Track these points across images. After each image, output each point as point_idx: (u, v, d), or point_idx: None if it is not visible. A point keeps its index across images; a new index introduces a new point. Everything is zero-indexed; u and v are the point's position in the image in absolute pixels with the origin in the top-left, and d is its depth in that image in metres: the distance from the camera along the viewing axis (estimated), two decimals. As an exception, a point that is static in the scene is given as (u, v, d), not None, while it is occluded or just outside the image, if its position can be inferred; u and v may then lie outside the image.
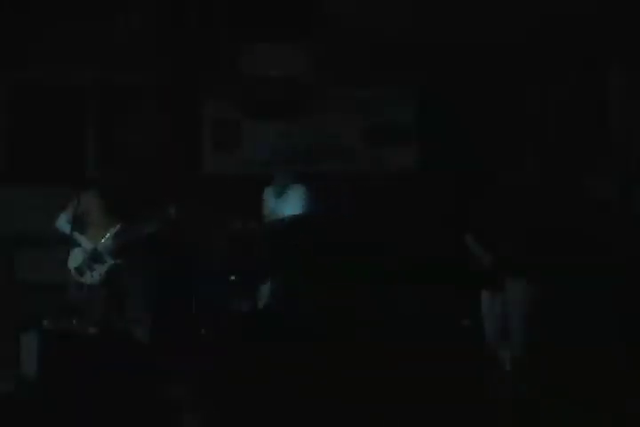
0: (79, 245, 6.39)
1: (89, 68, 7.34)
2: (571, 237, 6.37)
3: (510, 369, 5.83)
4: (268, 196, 6.98)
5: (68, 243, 6.26)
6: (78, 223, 6.31)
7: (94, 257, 6.36)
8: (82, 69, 7.50)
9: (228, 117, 7.81)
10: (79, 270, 6.36)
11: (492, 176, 6.52)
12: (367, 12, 6.62)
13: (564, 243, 6.26)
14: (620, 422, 4.65)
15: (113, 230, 6.36)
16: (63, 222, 6.47)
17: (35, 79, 7.70)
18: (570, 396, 5.15)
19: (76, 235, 6.35)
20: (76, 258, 6.34)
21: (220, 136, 8.01)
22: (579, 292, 6.39)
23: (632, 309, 6.26)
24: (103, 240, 6.37)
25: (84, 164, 7.89)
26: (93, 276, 6.34)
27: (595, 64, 6.48)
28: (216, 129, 8.00)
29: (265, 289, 6.74)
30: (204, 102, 7.79)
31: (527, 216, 6.23)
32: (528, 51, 7.03)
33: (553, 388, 5.39)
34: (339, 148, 8.03)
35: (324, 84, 7.28)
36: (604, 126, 6.31)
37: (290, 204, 6.79)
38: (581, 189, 6.78)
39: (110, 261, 6.33)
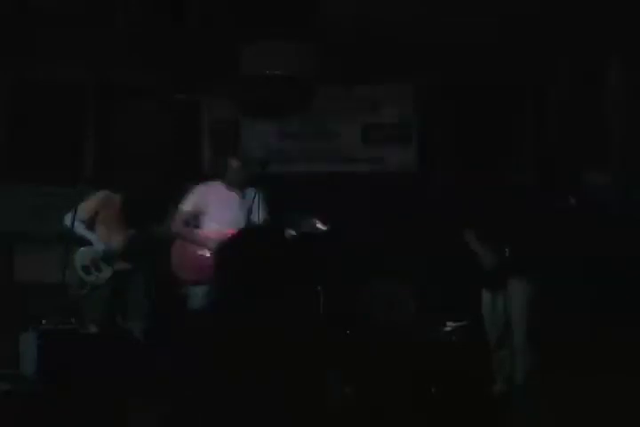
0: (88, 244, 6.39)
1: (89, 67, 7.35)
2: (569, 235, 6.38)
3: (510, 369, 5.84)
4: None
5: (70, 241, 6.26)
6: (89, 222, 6.33)
7: (105, 257, 6.36)
8: (82, 69, 7.51)
9: (227, 117, 7.82)
10: (85, 269, 6.36)
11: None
12: (367, 12, 6.62)
13: (564, 242, 6.27)
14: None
15: (128, 233, 6.37)
16: (72, 220, 6.46)
17: (34, 78, 7.70)
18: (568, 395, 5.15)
19: (87, 233, 6.36)
20: (83, 256, 6.34)
21: (219, 136, 8.02)
22: (578, 290, 6.40)
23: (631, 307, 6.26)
24: (117, 242, 6.37)
25: (82, 163, 7.90)
26: (99, 276, 6.34)
27: (595, 63, 6.49)
28: (215, 129, 8.01)
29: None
30: (203, 102, 7.81)
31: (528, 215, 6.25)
32: (527, 50, 7.04)
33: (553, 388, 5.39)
34: (339, 148, 8.04)
35: (323, 84, 7.28)
36: (604, 126, 6.31)
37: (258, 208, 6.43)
38: (580, 189, 6.78)
39: (119, 264, 6.34)
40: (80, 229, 6.31)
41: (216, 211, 6.31)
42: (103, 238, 6.41)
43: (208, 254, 6.17)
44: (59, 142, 7.90)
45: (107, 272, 6.35)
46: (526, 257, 6.10)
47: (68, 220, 6.48)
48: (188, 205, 6.35)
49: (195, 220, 6.36)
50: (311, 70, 5.44)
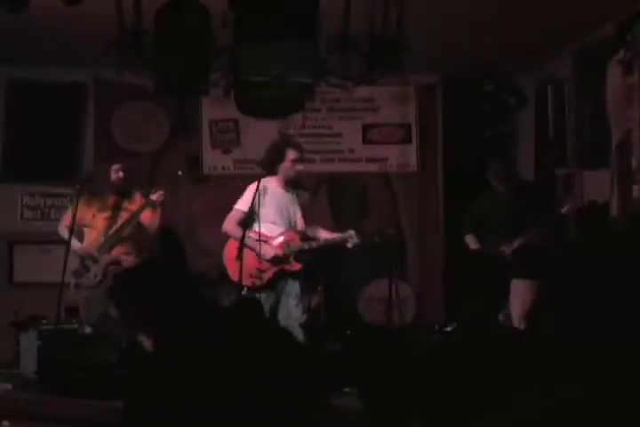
0: (75, 249, 6.40)
1: (88, 66, 7.32)
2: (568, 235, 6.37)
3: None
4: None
5: (67, 244, 6.26)
6: (74, 227, 6.32)
7: (88, 259, 6.37)
8: (80, 68, 7.48)
9: (227, 117, 7.81)
10: (77, 273, 6.37)
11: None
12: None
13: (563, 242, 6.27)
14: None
15: (108, 231, 6.37)
16: (63, 228, 6.48)
17: (33, 77, 7.68)
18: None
19: (72, 238, 6.35)
20: (73, 261, 6.34)
21: (219, 136, 8.01)
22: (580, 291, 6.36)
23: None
24: (98, 242, 6.37)
25: (81, 163, 7.88)
26: (90, 277, 6.35)
27: (595, 63, 6.47)
28: (215, 129, 8.00)
29: None
30: (203, 102, 7.79)
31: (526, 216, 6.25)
32: (526, 48, 7.02)
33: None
34: (338, 147, 8.03)
35: (323, 85, 7.26)
36: (604, 125, 6.29)
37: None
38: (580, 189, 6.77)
39: (104, 259, 6.34)
40: (65, 234, 6.32)
41: (271, 212, 6.10)
42: (91, 239, 6.43)
43: (262, 258, 5.98)
44: (57, 141, 7.88)
45: (96, 270, 6.34)
46: (527, 258, 6.11)
47: (59, 227, 6.51)
48: (243, 204, 6.08)
49: (249, 220, 6.07)
50: (311, 70, 5.40)
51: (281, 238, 6.08)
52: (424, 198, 8.11)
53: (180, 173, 6.55)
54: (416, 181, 8.10)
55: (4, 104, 7.79)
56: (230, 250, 6.04)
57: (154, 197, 6.30)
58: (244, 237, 5.86)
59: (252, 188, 6.09)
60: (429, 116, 8.12)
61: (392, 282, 6.93)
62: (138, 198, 6.44)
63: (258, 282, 5.94)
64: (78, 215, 6.31)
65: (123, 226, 6.34)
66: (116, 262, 6.36)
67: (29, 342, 6.63)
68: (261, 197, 6.02)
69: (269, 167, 6.17)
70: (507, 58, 7.26)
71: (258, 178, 6.09)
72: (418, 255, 8.03)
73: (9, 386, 6.29)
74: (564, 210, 6.10)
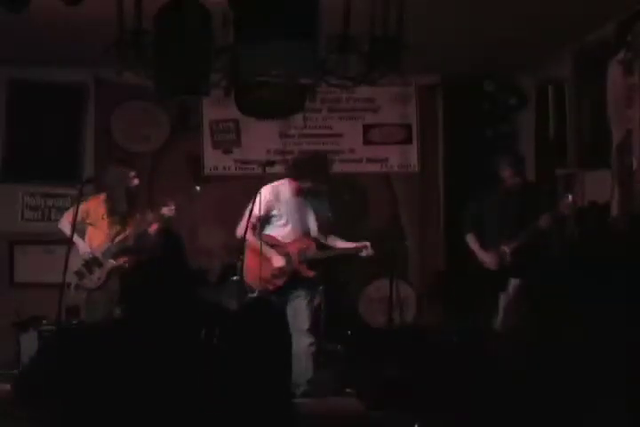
0: (80, 252, 6.39)
1: (88, 66, 7.32)
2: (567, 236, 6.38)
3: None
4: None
5: (68, 244, 6.25)
6: (79, 226, 6.31)
7: (93, 261, 6.36)
8: (80, 68, 7.48)
9: (227, 117, 7.81)
10: (79, 274, 6.36)
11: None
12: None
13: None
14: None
15: (116, 238, 6.35)
16: (65, 224, 6.46)
17: (33, 77, 7.68)
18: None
19: (76, 238, 6.33)
20: (75, 261, 6.33)
21: (219, 136, 8.01)
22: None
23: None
24: (103, 246, 6.36)
25: (81, 163, 7.87)
26: (92, 279, 6.35)
27: (595, 63, 6.47)
28: (216, 129, 8.00)
29: None
30: (203, 102, 7.79)
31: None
32: (526, 48, 7.02)
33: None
34: (339, 148, 8.03)
35: (323, 85, 7.27)
36: (604, 125, 6.30)
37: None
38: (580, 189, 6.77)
39: (108, 264, 6.33)
40: (70, 232, 6.30)
41: (284, 216, 6.11)
42: (91, 241, 6.41)
43: (276, 262, 6.01)
44: (57, 141, 7.88)
45: (99, 275, 6.34)
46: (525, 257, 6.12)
47: (61, 222, 6.50)
48: (257, 208, 5.99)
49: (263, 224, 6.05)
50: (311, 70, 5.41)
51: (296, 245, 6.09)
52: (424, 198, 8.11)
53: (197, 188, 6.43)
54: (416, 181, 8.10)
55: (4, 104, 7.79)
56: (247, 254, 6.03)
57: (165, 211, 6.26)
58: (245, 237, 5.85)
59: (265, 191, 6.07)
60: (429, 116, 8.12)
61: (392, 282, 6.93)
62: (148, 211, 6.41)
63: (270, 287, 6.00)
64: (86, 213, 6.32)
65: (129, 237, 6.34)
66: (120, 268, 6.36)
67: (30, 343, 6.64)
68: (275, 202, 6.05)
69: (299, 170, 6.15)
70: (507, 58, 7.26)
71: (272, 181, 6.13)
72: (418, 255, 8.03)
73: (9, 386, 6.29)
74: (561, 206, 6.10)
